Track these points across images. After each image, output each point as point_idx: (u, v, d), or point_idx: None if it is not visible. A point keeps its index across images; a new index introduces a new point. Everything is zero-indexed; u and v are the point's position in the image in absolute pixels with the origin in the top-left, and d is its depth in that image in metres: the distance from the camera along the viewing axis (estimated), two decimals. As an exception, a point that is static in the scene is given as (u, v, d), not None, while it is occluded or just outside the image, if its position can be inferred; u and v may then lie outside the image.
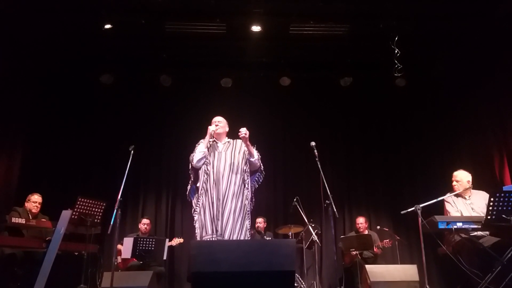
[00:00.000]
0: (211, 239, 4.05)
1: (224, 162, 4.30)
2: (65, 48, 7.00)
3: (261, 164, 4.47)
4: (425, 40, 6.95)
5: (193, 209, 4.37)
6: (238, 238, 4.09)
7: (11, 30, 6.06)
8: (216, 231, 4.08)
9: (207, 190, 4.24)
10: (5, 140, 6.39)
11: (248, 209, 4.29)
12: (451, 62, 7.33)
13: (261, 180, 4.54)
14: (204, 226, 4.16)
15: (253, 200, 4.42)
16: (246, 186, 4.33)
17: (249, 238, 4.43)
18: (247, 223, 4.24)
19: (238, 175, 4.30)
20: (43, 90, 7.22)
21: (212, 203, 4.17)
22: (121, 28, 6.56)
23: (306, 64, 7.86)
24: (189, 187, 4.46)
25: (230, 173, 4.27)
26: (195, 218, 4.27)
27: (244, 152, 4.41)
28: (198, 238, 4.18)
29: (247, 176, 4.36)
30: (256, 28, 6.62)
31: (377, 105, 8.19)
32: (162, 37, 6.98)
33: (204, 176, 4.30)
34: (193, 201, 4.42)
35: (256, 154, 4.39)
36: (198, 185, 4.37)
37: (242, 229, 4.18)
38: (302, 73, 7.88)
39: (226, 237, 4.05)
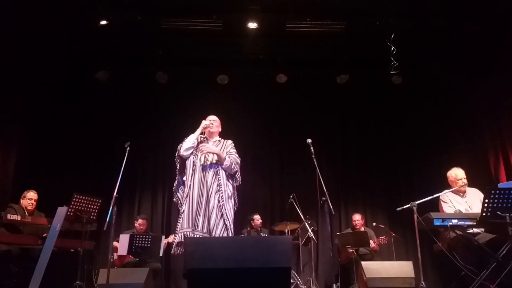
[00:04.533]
0: (189, 234, 4.09)
1: (211, 160, 4.37)
2: (61, 44, 6.96)
3: (238, 170, 4.48)
4: (421, 38, 6.95)
5: (179, 202, 4.43)
6: (220, 235, 4.13)
7: (7, 25, 6.02)
8: (197, 226, 4.14)
9: (191, 185, 4.30)
10: (1, 137, 6.35)
11: (228, 208, 4.31)
12: (448, 60, 7.34)
13: (236, 185, 4.54)
14: (183, 220, 4.22)
15: (236, 200, 4.49)
16: (225, 184, 4.37)
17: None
18: (229, 222, 4.28)
19: (224, 174, 4.39)
20: (39, 86, 7.17)
21: (195, 198, 4.23)
22: (117, 24, 6.53)
23: (303, 61, 7.86)
24: (176, 182, 4.53)
25: (216, 171, 4.34)
26: (182, 210, 4.32)
27: (230, 150, 4.49)
28: (178, 231, 4.23)
29: (225, 177, 4.40)
30: (252, 25, 6.60)
31: (374, 102, 8.20)
32: (158, 34, 6.96)
33: (190, 171, 4.36)
34: (178, 194, 4.48)
35: (228, 162, 4.37)
36: (184, 178, 4.44)
37: (224, 227, 4.22)
38: (298, 70, 7.88)
39: (205, 233, 4.11)
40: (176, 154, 4.49)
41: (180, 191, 4.48)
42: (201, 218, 4.15)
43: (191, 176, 4.33)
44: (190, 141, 4.41)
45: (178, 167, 4.49)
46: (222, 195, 4.27)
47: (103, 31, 6.58)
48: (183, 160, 4.44)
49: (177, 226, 4.29)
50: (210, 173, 4.31)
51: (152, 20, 6.60)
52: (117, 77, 7.62)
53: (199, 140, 4.47)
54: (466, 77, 7.12)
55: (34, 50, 6.71)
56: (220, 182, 4.31)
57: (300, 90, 8.13)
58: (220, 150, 4.44)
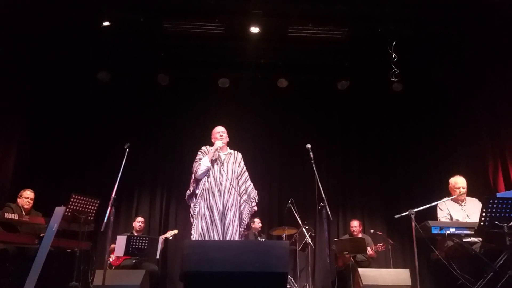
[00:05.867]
0: None
1: (226, 173, 4.50)
2: (63, 44, 6.96)
3: (256, 197, 4.75)
4: (422, 46, 6.97)
5: (190, 214, 4.57)
6: None
7: (10, 25, 6.03)
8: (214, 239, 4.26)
9: (207, 199, 4.43)
10: (0, 136, 6.35)
11: (244, 220, 4.56)
12: (449, 68, 7.35)
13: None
14: (202, 234, 4.34)
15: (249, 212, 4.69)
16: (243, 198, 4.59)
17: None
18: (242, 232, 4.53)
19: (238, 187, 4.57)
20: (40, 86, 7.17)
21: (213, 212, 4.36)
22: (119, 26, 6.55)
23: (304, 66, 7.87)
24: (189, 192, 4.64)
25: (231, 185, 4.49)
26: (193, 222, 4.47)
27: (242, 167, 4.73)
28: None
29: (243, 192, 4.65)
30: (254, 29, 6.62)
31: (374, 109, 8.21)
32: (160, 36, 6.96)
33: (205, 184, 4.50)
34: (191, 205, 4.61)
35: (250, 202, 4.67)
36: (197, 191, 4.56)
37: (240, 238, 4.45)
38: (299, 75, 7.89)
39: None
40: (193, 177, 4.63)
41: (192, 203, 4.61)
42: (217, 232, 4.33)
43: (208, 191, 4.48)
44: (205, 166, 4.54)
45: (194, 185, 4.62)
46: (239, 209, 4.51)
47: (105, 32, 6.59)
48: (198, 180, 4.60)
49: (193, 238, 4.39)
50: (227, 188, 4.49)
51: (155, 22, 6.61)
52: (118, 78, 7.63)
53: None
54: (466, 85, 7.13)
55: (35, 50, 6.71)
56: (237, 197, 4.54)
57: (301, 95, 8.13)
58: (233, 162, 4.64)
